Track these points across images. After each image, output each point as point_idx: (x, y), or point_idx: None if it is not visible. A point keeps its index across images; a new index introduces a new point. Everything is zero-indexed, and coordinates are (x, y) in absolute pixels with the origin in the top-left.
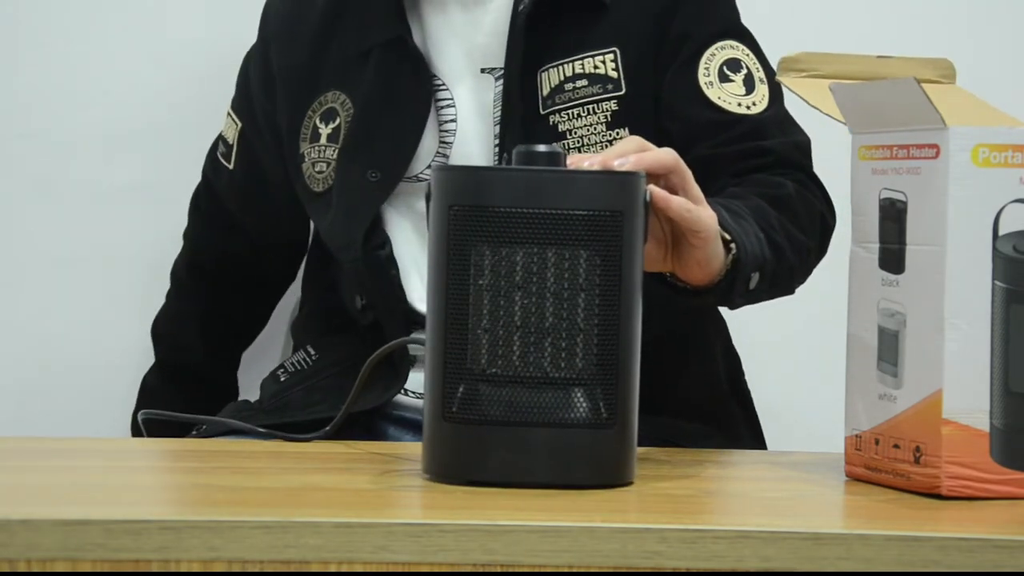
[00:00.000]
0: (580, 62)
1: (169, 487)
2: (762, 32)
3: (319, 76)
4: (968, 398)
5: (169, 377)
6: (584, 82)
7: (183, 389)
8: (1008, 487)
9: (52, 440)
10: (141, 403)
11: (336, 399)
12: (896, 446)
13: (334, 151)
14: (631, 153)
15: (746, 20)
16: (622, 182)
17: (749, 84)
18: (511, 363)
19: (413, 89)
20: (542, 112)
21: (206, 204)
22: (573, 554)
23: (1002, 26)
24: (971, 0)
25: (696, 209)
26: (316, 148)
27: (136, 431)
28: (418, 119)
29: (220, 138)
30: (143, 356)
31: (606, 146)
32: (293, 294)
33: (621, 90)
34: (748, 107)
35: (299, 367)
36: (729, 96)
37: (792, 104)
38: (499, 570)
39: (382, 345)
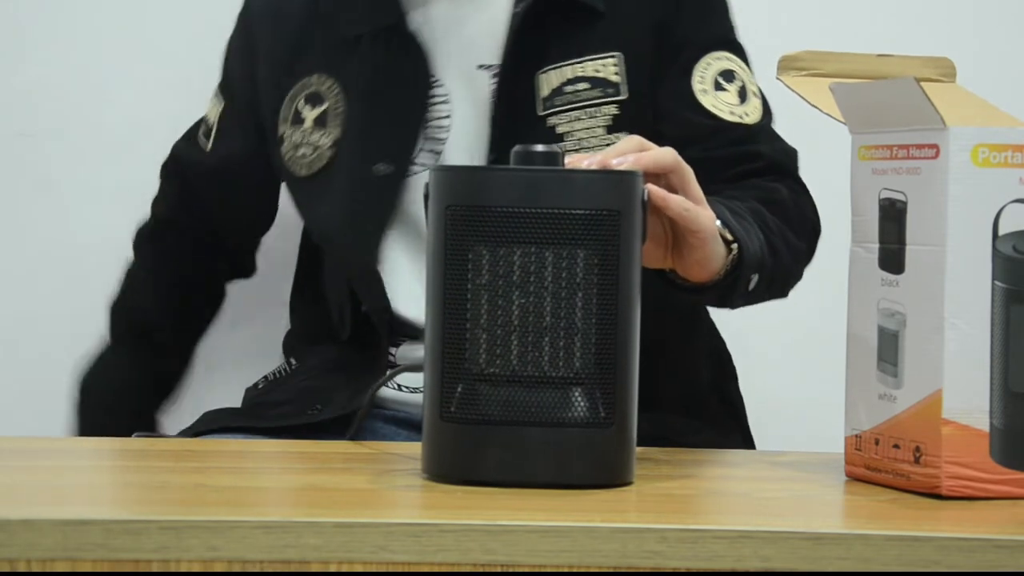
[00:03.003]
0: (581, 65)
1: (169, 487)
2: (763, 31)
3: (304, 57)
4: (968, 398)
5: (130, 346)
6: (586, 85)
7: (140, 353)
8: (1008, 487)
9: (52, 440)
10: (89, 402)
11: (303, 402)
12: (896, 446)
13: (322, 137)
14: (630, 152)
15: (746, 20)
16: (619, 181)
17: (743, 95)
18: (509, 363)
19: (410, 81)
20: (540, 113)
21: (173, 172)
22: (573, 554)
23: (1003, 25)
24: None
25: (694, 208)
26: (299, 131)
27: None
28: (416, 112)
29: (203, 119)
30: None
31: (603, 149)
32: (284, 314)
33: (622, 95)
34: (741, 116)
35: (278, 376)
36: (723, 104)
37: (792, 102)
38: (499, 570)
39: (363, 348)
